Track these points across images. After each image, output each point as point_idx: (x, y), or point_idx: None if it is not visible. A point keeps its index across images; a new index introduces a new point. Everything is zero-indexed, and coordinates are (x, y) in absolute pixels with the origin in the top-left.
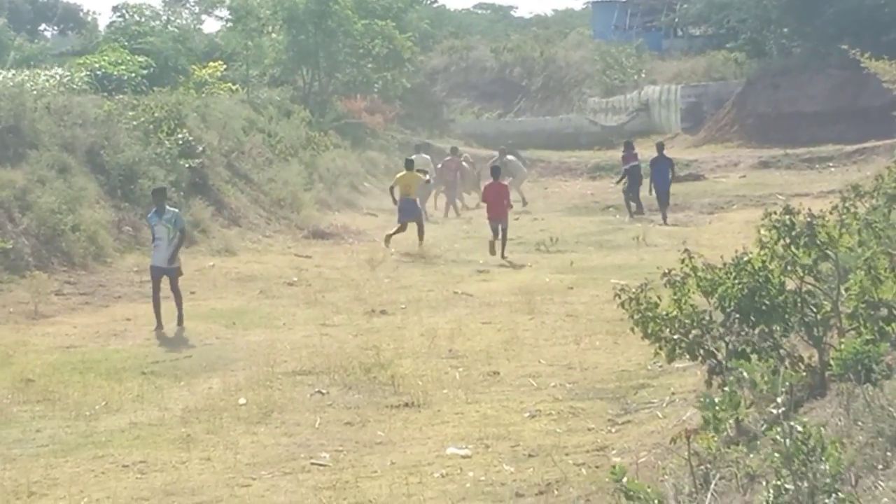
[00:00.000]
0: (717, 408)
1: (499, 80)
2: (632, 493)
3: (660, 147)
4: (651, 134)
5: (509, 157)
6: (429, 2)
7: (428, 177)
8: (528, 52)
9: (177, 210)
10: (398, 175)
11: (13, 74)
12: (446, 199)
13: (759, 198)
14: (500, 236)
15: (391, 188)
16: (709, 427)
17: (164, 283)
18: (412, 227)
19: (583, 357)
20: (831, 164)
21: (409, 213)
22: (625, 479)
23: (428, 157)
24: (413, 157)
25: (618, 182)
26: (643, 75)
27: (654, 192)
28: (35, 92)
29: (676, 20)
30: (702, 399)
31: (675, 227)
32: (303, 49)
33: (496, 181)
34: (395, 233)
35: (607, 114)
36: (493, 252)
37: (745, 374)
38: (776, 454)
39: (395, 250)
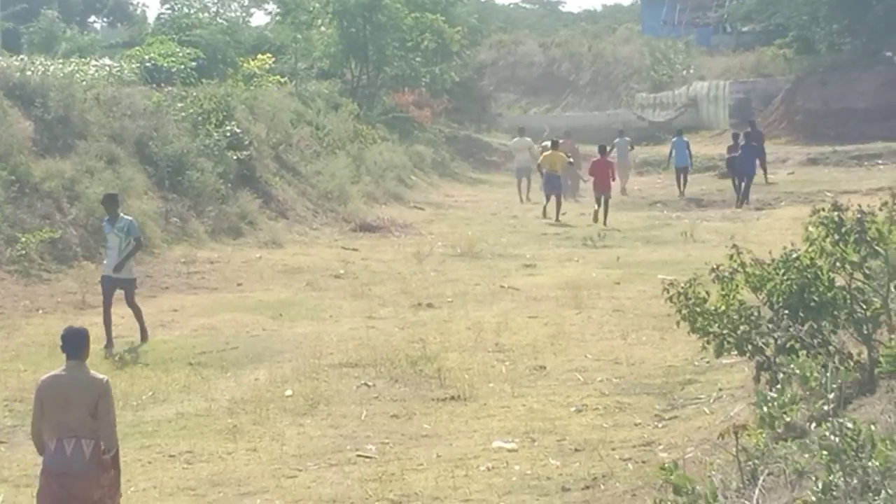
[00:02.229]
0: (772, 404)
1: (546, 75)
2: (680, 488)
3: (747, 135)
4: (700, 130)
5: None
6: None
7: (571, 158)
8: (577, 47)
9: (131, 218)
10: (545, 154)
11: (63, 65)
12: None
13: (808, 195)
14: (602, 206)
15: (538, 166)
16: (763, 424)
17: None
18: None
19: (629, 352)
20: (880, 162)
21: (554, 186)
22: (673, 475)
23: (529, 139)
24: (517, 138)
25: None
26: (691, 71)
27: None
28: (84, 83)
29: (725, 16)
30: (758, 395)
31: (722, 223)
32: (352, 42)
33: (602, 157)
34: (546, 205)
35: (655, 109)
36: (595, 220)
37: (795, 370)
38: (825, 451)
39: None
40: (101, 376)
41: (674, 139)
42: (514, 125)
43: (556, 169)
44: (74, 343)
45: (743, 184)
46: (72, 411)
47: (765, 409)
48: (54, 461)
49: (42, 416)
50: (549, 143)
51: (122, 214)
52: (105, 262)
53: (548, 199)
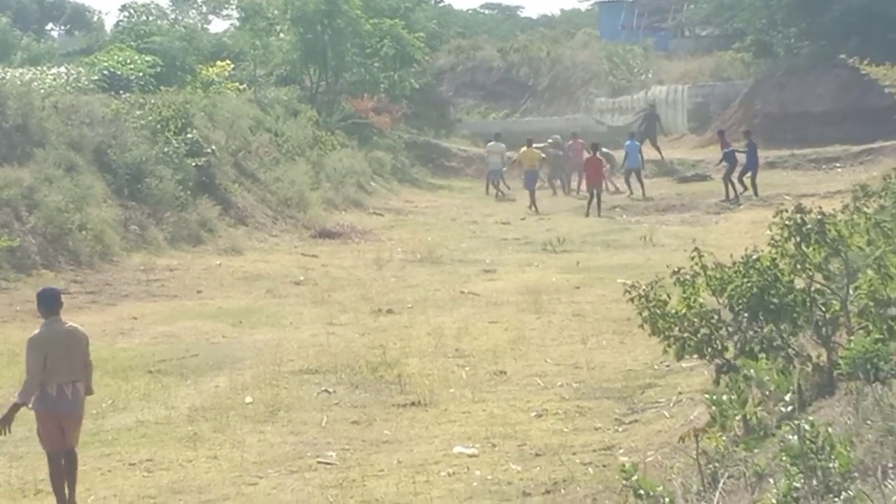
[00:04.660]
0: (724, 406)
1: (505, 80)
2: (641, 491)
3: (748, 134)
4: (658, 135)
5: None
6: (435, 1)
7: (544, 154)
8: (535, 52)
9: None
10: (521, 150)
11: (21, 73)
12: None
13: (767, 198)
14: (594, 200)
15: (513, 161)
16: (716, 425)
17: None
18: None
19: (589, 356)
20: (838, 165)
21: (532, 181)
22: (634, 478)
23: (503, 144)
24: (492, 142)
25: (717, 165)
26: (650, 75)
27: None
28: (42, 91)
29: (683, 21)
30: (710, 396)
31: (681, 227)
32: (311, 48)
33: (593, 156)
34: (532, 200)
35: (614, 114)
36: (588, 214)
37: (752, 372)
38: (785, 453)
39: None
40: (78, 325)
41: (627, 143)
42: (474, 131)
43: (534, 165)
44: (52, 300)
45: (745, 178)
46: (72, 358)
47: (714, 408)
48: (58, 405)
49: (42, 367)
50: (557, 141)
51: None
52: None
53: (531, 195)
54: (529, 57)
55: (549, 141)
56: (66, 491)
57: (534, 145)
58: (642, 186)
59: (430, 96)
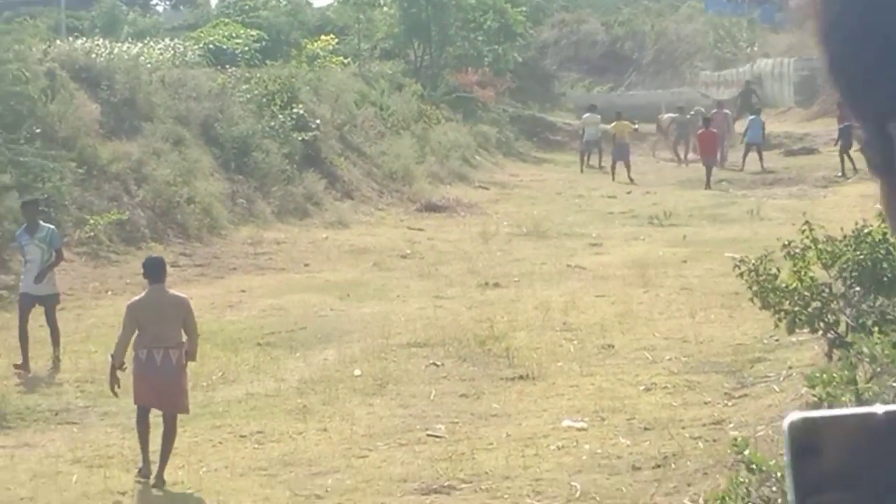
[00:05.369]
0: (827, 385)
1: (609, 54)
2: (753, 465)
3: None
4: (764, 108)
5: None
6: None
7: (636, 126)
8: (639, 26)
9: (52, 227)
10: (614, 123)
11: (128, 48)
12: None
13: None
14: (707, 172)
15: (607, 131)
16: (822, 405)
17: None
18: None
19: (698, 330)
20: None
21: (622, 153)
22: (746, 452)
23: (599, 115)
24: (587, 114)
25: (836, 143)
26: (756, 48)
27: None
28: (150, 65)
29: None
30: (815, 374)
31: (788, 200)
32: (414, 22)
33: (707, 129)
34: (627, 172)
35: (719, 87)
36: (708, 186)
37: (864, 347)
38: None
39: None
40: (183, 295)
41: (751, 117)
42: (579, 104)
43: (623, 136)
44: (157, 269)
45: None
46: (166, 325)
47: (818, 390)
48: (147, 368)
49: (133, 331)
50: (676, 115)
51: (42, 223)
52: (23, 277)
53: (614, 164)
54: (633, 30)
55: (689, 114)
56: (161, 454)
57: (666, 115)
58: (761, 160)
59: (534, 70)
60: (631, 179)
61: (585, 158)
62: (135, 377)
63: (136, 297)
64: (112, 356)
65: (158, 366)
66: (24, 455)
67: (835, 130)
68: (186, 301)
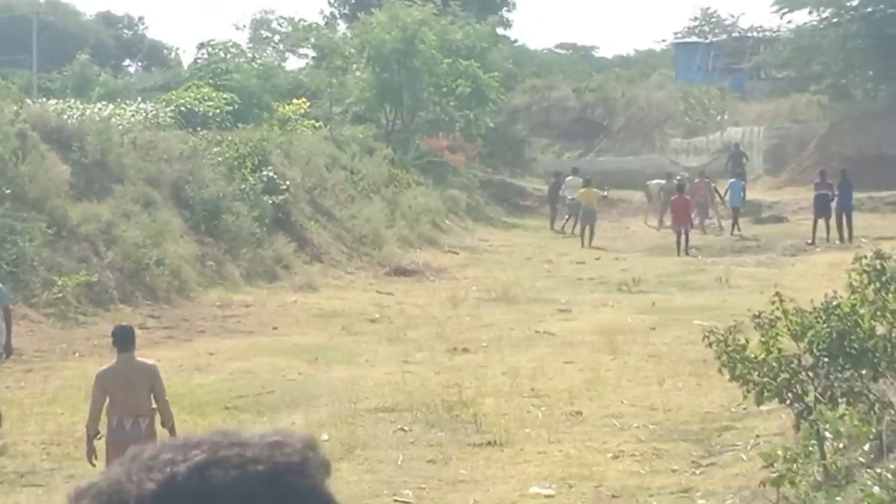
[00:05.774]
0: (791, 462)
1: (580, 120)
2: None
3: (844, 173)
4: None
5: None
6: (510, 42)
7: (606, 192)
8: (610, 92)
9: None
10: (581, 190)
11: (100, 109)
12: (699, 219)
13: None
14: (682, 239)
15: (573, 199)
16: (784, 480)
17: None
18: None
19: (666, 398)
20: None
21: (589, 219)
22: None
23: (580, 179)
24: (570, 177)
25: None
26: (726, 117)
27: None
28: (121, 127)
29: (760, 63)
30: (773, 452)
31: (757, 269)
32: (387, 87)
33: (681, 196)
34: (590, 238)
35: (689, 154)
36: (679, 254)
37: (827, 421)
38: (867, 501)
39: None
40: (151, 362)
41: (731, 180)
42: (548, 170)
43: (591, 203)
44: (126, 337)
45: (838, 220)
46: (134, 394)
47: (782, 465)
48: (116, 435)
49: (103, 400)
50: (665, 181)
51: None
52: None
53: (583, 230)
54: (604, 97)
55: (675, 180)
56: None
57: (653, 181)
58: (735, 225)
59: (505, 135)
60: (587, 245)
61: (574, 220)
62: (107, 444)
63: (105, 367)
64: (87, 427)
65: (128, 433)
66: None
67: (803, 199)
68: (155, 368)
